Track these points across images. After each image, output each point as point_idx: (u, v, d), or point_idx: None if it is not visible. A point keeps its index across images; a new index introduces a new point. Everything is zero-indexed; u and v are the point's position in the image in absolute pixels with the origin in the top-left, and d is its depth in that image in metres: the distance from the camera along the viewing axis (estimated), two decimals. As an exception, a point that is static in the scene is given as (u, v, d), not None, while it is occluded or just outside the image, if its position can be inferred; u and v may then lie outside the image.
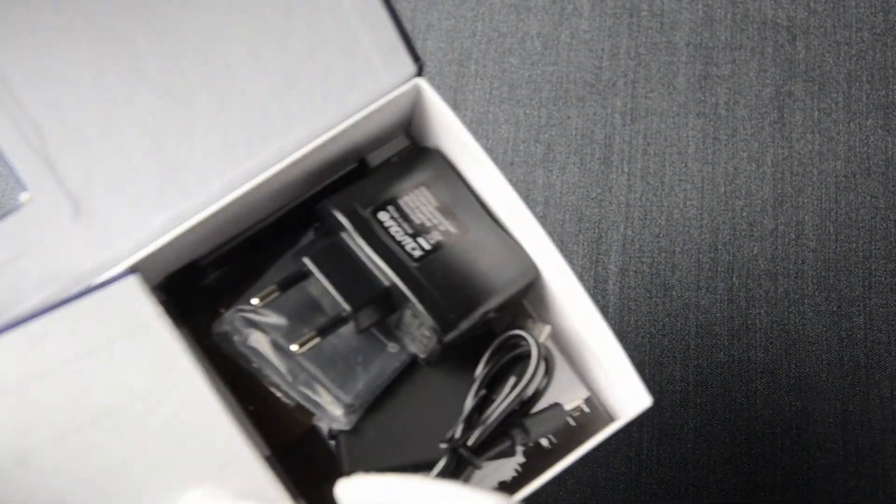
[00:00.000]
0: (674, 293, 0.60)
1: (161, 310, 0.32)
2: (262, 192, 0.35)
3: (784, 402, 0.58)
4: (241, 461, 0.31)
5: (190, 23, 0.32)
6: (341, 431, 0.36)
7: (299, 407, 0.36)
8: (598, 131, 0.64)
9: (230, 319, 0.36)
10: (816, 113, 0.65)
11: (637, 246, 0.61)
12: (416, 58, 0.36)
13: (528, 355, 0.36)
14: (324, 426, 0.37)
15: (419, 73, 0.36)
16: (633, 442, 0.57)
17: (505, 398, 0.35)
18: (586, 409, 0.39)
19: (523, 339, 0.36)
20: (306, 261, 0.34)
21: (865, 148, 0.64)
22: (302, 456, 0.35)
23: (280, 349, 0.35)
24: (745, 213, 0.62)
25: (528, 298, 0.39)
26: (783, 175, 0.63)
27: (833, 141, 0.64)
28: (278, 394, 0.36)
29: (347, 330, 0.35)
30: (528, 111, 0.64)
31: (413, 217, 0.36)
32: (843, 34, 0.67)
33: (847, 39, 0.66)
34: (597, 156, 0.63)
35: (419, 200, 0.37)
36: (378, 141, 0.39)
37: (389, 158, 0.40)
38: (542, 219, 0.62)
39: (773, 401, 0.58)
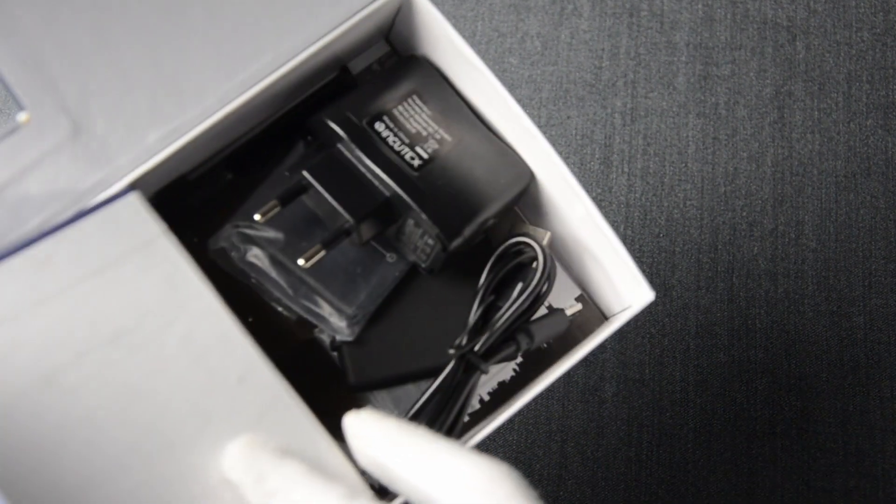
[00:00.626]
0: (674, 293, 0.60)
1: (165, 226, 0.32)
2: (254, 105, 0.35)
3: (784, 402, 0.58)
4: (258, 374, 0.31)
5: None
6: (344, 342, 0.36)
7: (299, 320, 0.36)
8: (598, 131, 0.64)
9: (227, 235, 0.36)
10: (816, 113, 0.65)
11: (637, 246, 0.61)
12: None
13: (531, 261, 0.36)
14: (326, 338, 0.37)
15: None
16: (633, 442, 0.57)
17: (513, 304, 0.36)
18: (578, 311, 0.39)
19: (528, 245, 0.36)
20: (306, 174, 0.34)
21: (865, 148, 0.64)
22: (302, 366, 0.36)
23: (279, 263, 0.36)
24: (745, 213, 0.62)
25: (522, 205, 0.40)
26: (783, 175, 0.63)
27: (833, 141, 0.64)
28: (279, 308, 0.37)
29: (345, 242, 0.35)
30: (528, 111, 0.64)
31: (408, 126, 0.36)
32: (843, 34, 0.67)
33: (847, 39, 0.66)
34: (597, 156, 0.63)
35: (412, 109, 0.37)
36: (359, 48, 0.39)
37: (370, 66, 0.40)
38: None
39: (773, 401, 0.58)
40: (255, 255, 0.36)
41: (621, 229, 0.62)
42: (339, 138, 0.35)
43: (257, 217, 0.34)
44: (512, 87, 0.65)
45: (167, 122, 0.33)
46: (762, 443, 0.57)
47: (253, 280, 0.36)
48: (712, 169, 0.63)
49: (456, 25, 0.66)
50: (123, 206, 0.31)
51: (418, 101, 0.37)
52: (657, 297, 0.60)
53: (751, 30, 0.67)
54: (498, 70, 0.65)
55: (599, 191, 0.63)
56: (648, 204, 0.62)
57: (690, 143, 0.64)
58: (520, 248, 0.37)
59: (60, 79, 0.31)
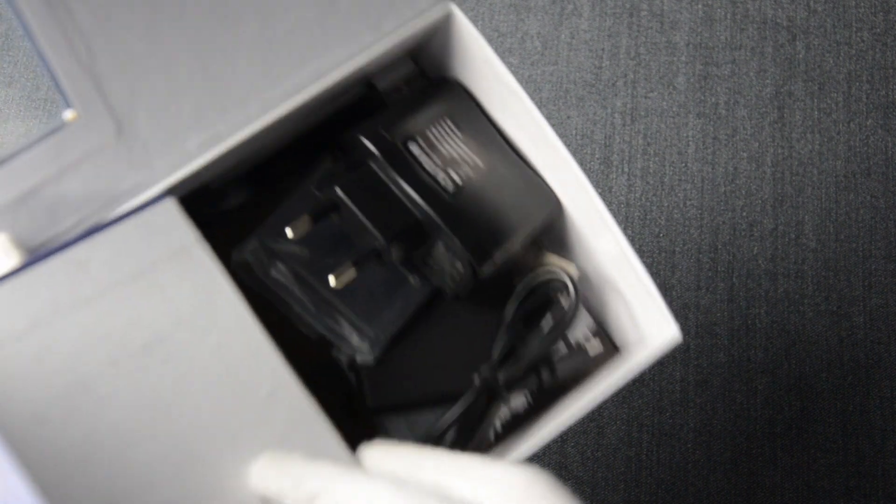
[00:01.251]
0: (674, 293, 0.60)
1: (199, 234, 0.32)
2: (293, 115, 0.34)
3: (784, 402, 0.58)
4: (287, 390, 0.31)
5: None
6: (364, 364, 0.35)
7: (318, 339, 0.36)
8: (598, 131, 0.64)
9: (252, 249, 0.35)
10: (816, 113, 0.65)
11: (637, 246, 0.61)
12: None
13: (557, 294, 0.36)
14: (344, 358, 0.36)
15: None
16: (633, 442, 0.57)
17: (543, 337, 0.36)
18: (600, 349, 0.39)
19: (559, 279, 0.36)
20: (338, 191, 0.33)
21: (865, 148, 0.64)
22: (318, 385, 0.36)
23: (303, 280, 0.35)
24: (745, 213, 0.62)
25: (545, 235, 0.40)
26: (783, 175, 0.63)
27: (833, 141, 0.64)
28: (300, 326, 0.36)
29: (378, 269, 0.35)
30: (528, 111, 0.64)
31: (441, 149, 0.36)
32: (843, 34, 0.67)
33: (847, 39, 0.66)
34: (597, 156, 0.63)
35: (445, 132, 0.36)
36: (387, 65, 0.39)
37: (396, 85, 0.39)
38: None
39: (773, 401, 0.58)
40: (280, 271, 0.35)
41: (621, 229, 0.62)
42: (373, 156, 0.34)
43: (289, 232, 0.33)
44: (512, 87, 0.65)
45: (209, 127, 0.33)
46: (762, 443, 0.57)
47: (275, 295, 0.36)
48: (712, 169, 0.63)
49: (456, 25, 0.67)
50: (160, 212, 0.31)
51: (450, 125, 0.37)
52: (657, 297, 0.60)
53: (751, 30, 0.67)
54: (498, 70, 0.65)
55: (599, 191, 0.63)
56: (648, 204, 0.62)
57: (690, 143, 0.64)
58: (550, 281, 0.37)
59: (109, 78, 0.31)
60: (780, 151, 0.64)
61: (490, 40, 0.66)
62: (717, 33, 0.66)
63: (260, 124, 0.33)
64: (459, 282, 0.35)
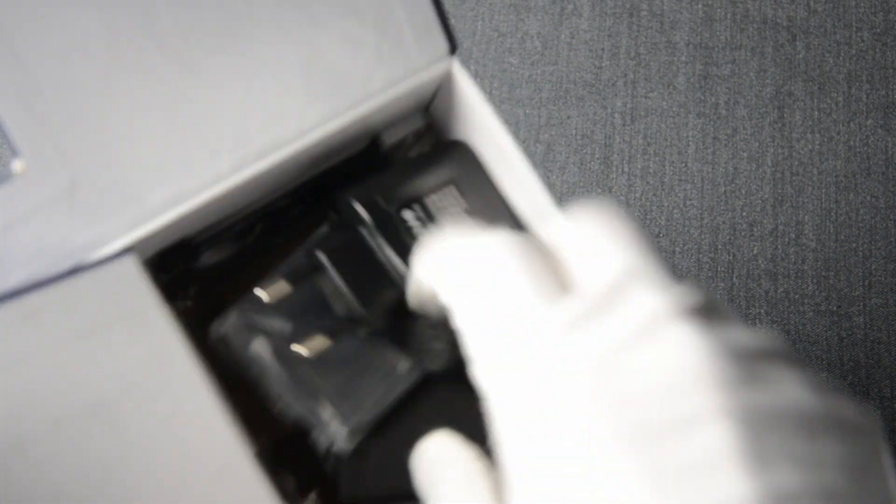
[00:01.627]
0: (674, 293, 0.60)
1: (159, 295, 0.30)
2: (271, 173, 0.32)
3: (784, 402, 0.58)
4: (238, 470, 0.29)
5: None
6: (341, 452, 0.33)
7: (296, 422, 0.34)
8: (598, 131, 0.64)
9: (232, 322, 0.33)
10: (816, 113, 0.65)
11: (637, 246, 0.61)
12: (451, 38, 0.34)
13: None
14: (321, 443, 0.34)
15: (452, 53, 0.34)
16: (633, 442, 0.57)
17: None
18: None
19: None
20: (319, 254, 0.32)
21: (865, 148, 0.64)
22: (286, 462, 0.34)
23: (283, 357, 0.33)
24: (745, 213, 0.62)
25: None
26: (783, 175, 0.63)
27: (833, 141, 0.64)
28: (279, 406, 0.35)
29: (357, 342, 0.33)
30: (528, 111, 0.64)
31: (439, 219, 0.34)
32: (843, 34, 0.67)
33: (847, 39, 0.66)
34: (597, 156, 0.63)
35: (447, 201, 0.34)
36: (394, 119, 0.37)
37: (404, 139, 0.38)
38: (542, 219, 0.62)
39: (773, 401, 0.58)
40: (259, 346, 0.33)
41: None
42: (363, 222, 0.32)
43: (263, 296, 0.31)
44: (512, 87, 0.65)
45: (173, 183, 0.30)
46: (762, 443, 0.57)
47: (253, 374, 0.34)
48: (712, 169, 0.63)
49: (456, 25, 0.67)
50: (119, 269, 0.29)
51: (455, 193, 0.34)
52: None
53: (751, 30, 0.67)
54: (498, 70, 0.65)
55: (599, 191, 0.63)
56: (648, 204, 0.62)
57: (690, 143, 0.64)
58: None
59: (63, 127, 0.29)
60: (780, 151, 0.64)
61: (490, 40, 0.66)
62: (717, 33, 0.66)
63: (232, 182, 0.31)
64: (445, 361, 0.32)
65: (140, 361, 0.29)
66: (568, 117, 0.64)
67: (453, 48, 0.34)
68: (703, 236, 0.62)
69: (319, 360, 0.32)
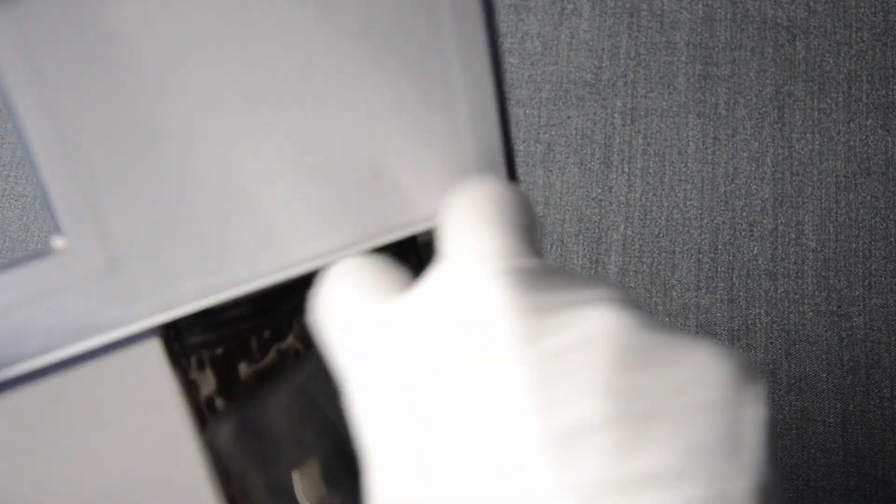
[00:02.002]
0: (674, 293, 0.60)
1: (176, 383, 0.30)
2: (307, 274, 0.32)
3: (784, 402, 0.58)
4: None
5: (290, 87, 0.29)
6: None
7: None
8: (598, 131, 0.64)
9: (227, 430, 0.32)
10: (816, 113, 0.65)
11: (637, 246, 0.61)
12: (513, 172, 0.33)
13: None
14: None
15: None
16: (633, 442, 0.57)
17: None
18: None
19: None
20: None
21: (865, 148, 0.64)
22: None
23: (269, 468, 0.33)
24: (745, 213, 0.62)
25: None
26: (783, 175, 0.63)
27: (833, 141, 0.64)
28: None
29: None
30: (528, 111, 0.64)
31: None
32: (843, 34, 0.67)
33: (847, 39, 0.66)
34: (597, 156, 0.63)
35: None
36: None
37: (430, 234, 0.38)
38: (542, 219, 0.62)
39: (773, 401, 0.58)
40: (251, 453, 0.33)
41: (621, 229, 0.62)
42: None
43: (296, 480, 0.31)
44: (512, 87, 0.65)
45: (209, 276, 0.30)
46: (762, 443, 0.57)
47: (241, 478, 0.33)
48: (712, 169, 0.63)
49: (456, 25, 0.67)
50: (141, 353, 0.29)
51: None
52: (657, 296, 0.60)
53: (751, 30, 0.67)
54: (498, 70, 0.65)
55: (599, 191, 0.63)
56: (648, 204, 0.62)
57: (690, 143, 0.64)
58: None
59: (109, 213, 0.28)
60: (780, 151, 0.64)
61: (490, 40, 0.66)
62: (717, 33, 0.66)
63: (268, 281, 0.30)
64: None
65: (148, 454, 0.29)
66: (568, 117, 0.64)
67: (513, 180, 0.34)
68: (703, 236, 0.62)
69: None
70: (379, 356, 0.22)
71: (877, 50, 0.66)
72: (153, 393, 0.29)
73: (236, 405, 0.33)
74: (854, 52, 0.66)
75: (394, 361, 0.21)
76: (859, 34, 0.67)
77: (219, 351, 0.34)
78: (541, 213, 0.62)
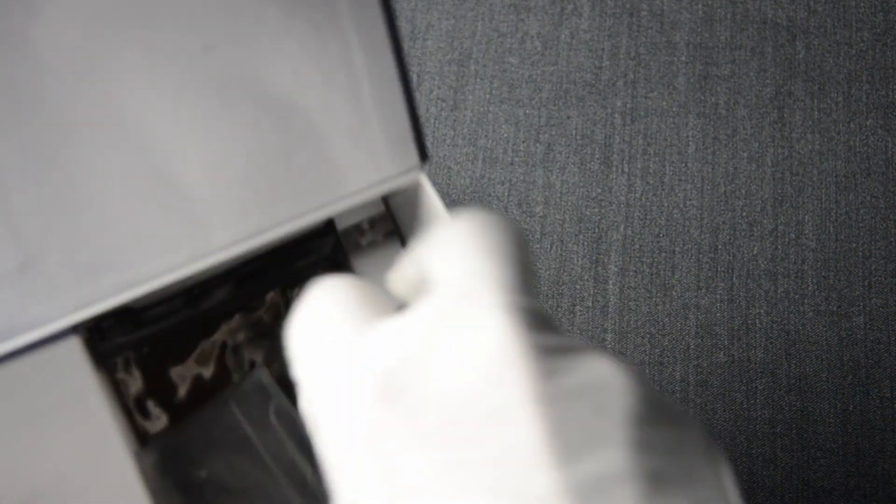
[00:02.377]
0: (674, 293, 0.60)
1: (98, 380, 0.29)
2: (226, 263, 0.32)
3: (784, 402, 0.58)
4: None
5: (194, 79, 0.29)
6: None
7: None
8: (598, 131, 0.64)
9: (155, 459, 0.32)
10: (816, 113, 0.65)
11: (637, 246, 0.61)
12: (423, 150, 0.34)
13: None
14: None
15: (423, 163, 0.34)
16: (633, 442, 0.57)
17: None
18: None
19: None
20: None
21: (865, 148, 0.64)
22: None
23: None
24: (745, 213, 0.62)
25: None
26: (783, 175, 0.63)
27: (833, 141, 0.64)
28: None
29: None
30: (528, 111, 0.64)
31: None
32: (843, 34, 0.67)
33: (847, 39, 0.66)
34: (597, 156, 0.63)
35: None
36: (354, 208, 0.37)
37: (360, 224, 0.37)
38: (542, 219, 0.62)
39: (773, 401, 0.58)
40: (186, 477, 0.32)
41: (621, 229, 0.62)
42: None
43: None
44: (512, 87, 0.65)
45: (126, 270, 0.29)
46: (762, 443, 0.57)
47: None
48: (712, 169, 0.63)
49: (456, 25, 0.67)
50: (62, 351, 0.29)
51: None
52: (657, 296, 0.60)
53: (751, 30, 0.67)
54: (498, 70, 0.65)
55: (599, 191, 0.63)
56: (648, 204, 0.62)
57: (690, 143, 0.64)
58: None
59: (21, 213, 0.28)
60: (780, 151, 0.64)
61: (490, 40, 0.66)
62: (717, 33, 0.66)
63: (186, 272, 0.30)
64: None
65: (75, 452, 0.28)
66: (568, 117, 0.64)
67: (424, 159, 0.34)
68: (703, 236, 0.62)
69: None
70: (362, 387, 0.21)
71: (877, 50, 0.66)
72: (77, 392, 0.29)
73: (165, 433, 0.33)
74: (854, 52, 0.66)
75: (382, 393, 0.20)
76: (859, 34, 0.67)
77: (145, 350, 0.34)
78: (541, 214, 0.62)
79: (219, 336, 0.35)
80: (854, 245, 0.62)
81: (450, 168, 0.63)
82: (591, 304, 0.60)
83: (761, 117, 0.64)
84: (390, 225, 0.37)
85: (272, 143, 0.30)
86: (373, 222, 0.37)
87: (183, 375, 0.34)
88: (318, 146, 0.31)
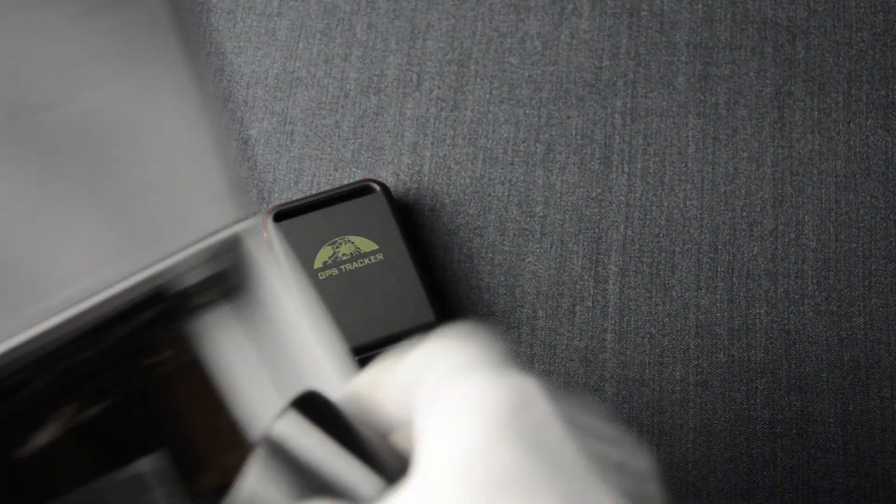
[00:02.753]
0: (674, 293, 0.60)
1: None
2: (50, 334, 0.30)
3: (784, 402, 0.58)
4: None
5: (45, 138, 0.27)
6: None
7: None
8: (598, 131, 0.64)
9: None
10: (816, 113, 0.65)
11: (637, 246, 0.61)
12: (245, 203, 0.33)
13: None
14: None
15: (246, 217, 0.33)
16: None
17: None
18: None
19: None
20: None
21: (865, 148, 0.64)
22: None
23: None
24: (745, 213, 0.62)
25: None
26: (783, 175, 0.63)
27: (833, 141, 0.64)
28: None
29: None
30: (528, 111, 0.64)
31: None
32: (843, 34, 0.67)
33: (847, 39, 0.66)
34: (597, 156, 0.63)
35: None
36: (188, 268, 0.35)
37: (187, 289, 0.35)
38: (542, 219, 0.62)
39: (773, 401, 0.58)
40: None
41: (621, 229, 0.62)
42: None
43: None
44: (512, 87, 0.65)
45: None
46: (762, 443, 0.57)
47: None
48: (712, 169, 0.63)
49: (456, 25, 0.67)
50: None
51: None
52: (657, 296, 0.60)
53: (751, 30, 0.67)
54: (498, 70, 0.65)
55: (599, 191, 0.63)
56: (648, 204, 0.62)
57: (690, 143, 0.64)
58: None
59: None
60: (780, 151, 0.64)
61: (490, 40, 0.66)
62: (717, 33, 0.66)
63: (7, 347, 0.28)
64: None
65: None
66: (568, 117, 0.64)
67: (248, 212, 0.33)
68: (703, 236, 0.62)
69: None
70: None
71: (877, 50, 0.66)
72: None
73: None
74: (854, 52, 0.66)
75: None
76: (859, 34, 0.67)
77: None
78: (541, 214, 0.62)
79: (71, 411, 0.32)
80: (854, 245, 0.62)
81: (450, 168, 0.63)
82: (591, 304, 0.60)
83: (761, 117, 0.64)
84: (226, 284, 0.36)
85: (96, 207, 0.28)
86: (206, 284, 0.36)
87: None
88: (141, 203, 0.30)
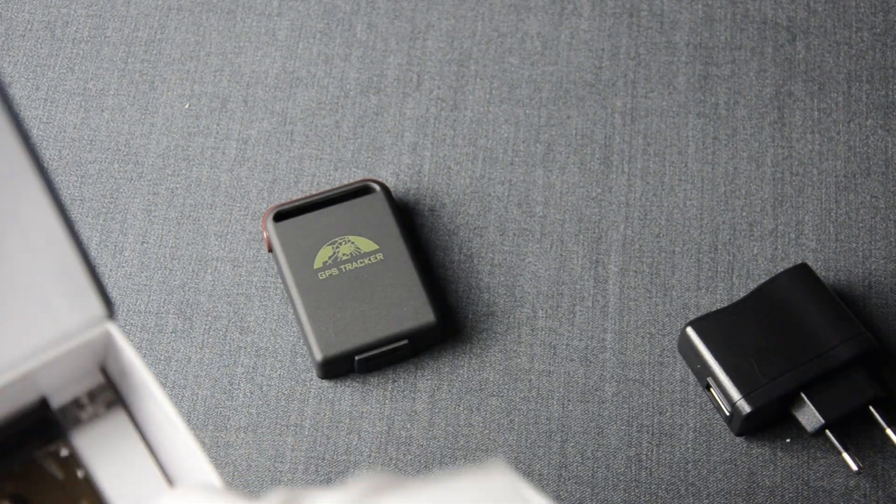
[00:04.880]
0: (674, 293, 0.60)
1: None
2: None
3: (784, 402, 0.58)
4: None
5: None
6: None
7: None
8: (598, 131, 0.64)
9: None
10: (816, 113, 0.65)
11: (637, 246, 0.61)
12: (108, 302, 0.32)
13: None
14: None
15: (110, 317, 0.32)
16: (633, 442, 0.57)
17: None
18: None
19: None
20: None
21: (865, 148, 0.64)
22: None
23: None
24: (745, 213, 0.62)
25: None
26: (783, 175, 0.63)
27: (833, 141, 0.64)
28: None
29: None
30: (528, 111, 0.64)
31: None
32: (843, 34, 0.67)
33: (847, 39, 0.66)
34: (597, 156, 0.63)
35: None
36: (66, 377, 0.34)
37: (78, 400, 0.34)
38: (542, 219, 0.62)
39: (773, 401, 0.58)
40: None
41: (621, 229, 0.62)
42: None
43: None
44: (512, 87, 0.65)
45: None
46: (762, 443, 0.57)
47: None
48: (712, 169, 0.63)
49: (456, 25, 0.67)
50: None
51: None
52: (657, 296, 0.60)
53: (751, 30, 0.67)
54: (498, 70, 0.65)
55: (599, 191, 0.63)
56: (648, 204, 0.62)
57: (690, 143, 0.64)
58: None
59: None
60: (780, 151, 0.64)
61: (490, 40, 0.66)
62: (717, 33, 0.66)
63: None
64: None
65: None
66: (568, 117, 0.64)
67: (110, 312, 0.32)
68: (703, 236, 0.62)
69: None
70: None
71: (877, 50, 0.66)
72: None
73: None
74: (854, 52, 0.66)
75: None
76: (859, 34, 0.67)
77: None
78: (541, 214, 0.62)
79: None
80: (854, 245, 0.62)
81: (450, 168, 0.63)
82: (591, 304, 0.60)
83: (761, 117, 0.64)
84: (112, 395, 0.35)
85: None
86: (92, 395, 0.35)
87: None
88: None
